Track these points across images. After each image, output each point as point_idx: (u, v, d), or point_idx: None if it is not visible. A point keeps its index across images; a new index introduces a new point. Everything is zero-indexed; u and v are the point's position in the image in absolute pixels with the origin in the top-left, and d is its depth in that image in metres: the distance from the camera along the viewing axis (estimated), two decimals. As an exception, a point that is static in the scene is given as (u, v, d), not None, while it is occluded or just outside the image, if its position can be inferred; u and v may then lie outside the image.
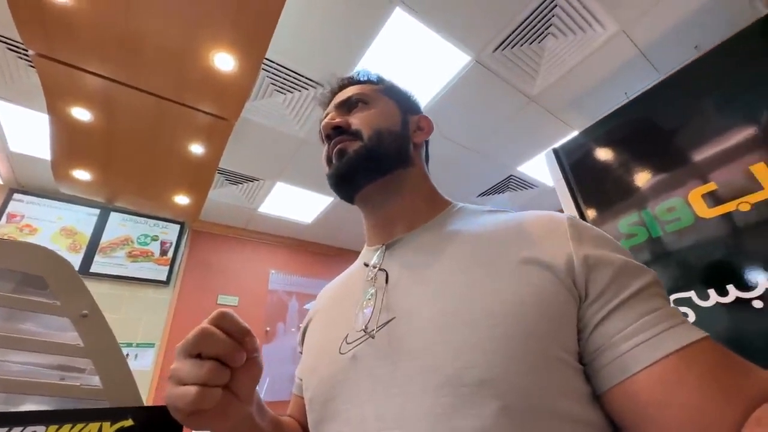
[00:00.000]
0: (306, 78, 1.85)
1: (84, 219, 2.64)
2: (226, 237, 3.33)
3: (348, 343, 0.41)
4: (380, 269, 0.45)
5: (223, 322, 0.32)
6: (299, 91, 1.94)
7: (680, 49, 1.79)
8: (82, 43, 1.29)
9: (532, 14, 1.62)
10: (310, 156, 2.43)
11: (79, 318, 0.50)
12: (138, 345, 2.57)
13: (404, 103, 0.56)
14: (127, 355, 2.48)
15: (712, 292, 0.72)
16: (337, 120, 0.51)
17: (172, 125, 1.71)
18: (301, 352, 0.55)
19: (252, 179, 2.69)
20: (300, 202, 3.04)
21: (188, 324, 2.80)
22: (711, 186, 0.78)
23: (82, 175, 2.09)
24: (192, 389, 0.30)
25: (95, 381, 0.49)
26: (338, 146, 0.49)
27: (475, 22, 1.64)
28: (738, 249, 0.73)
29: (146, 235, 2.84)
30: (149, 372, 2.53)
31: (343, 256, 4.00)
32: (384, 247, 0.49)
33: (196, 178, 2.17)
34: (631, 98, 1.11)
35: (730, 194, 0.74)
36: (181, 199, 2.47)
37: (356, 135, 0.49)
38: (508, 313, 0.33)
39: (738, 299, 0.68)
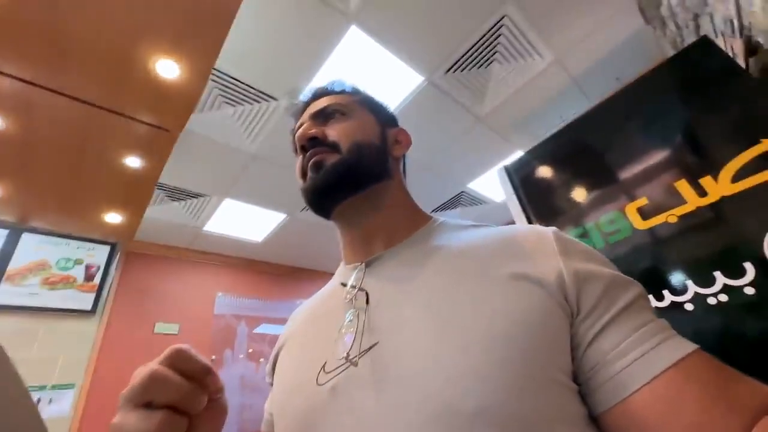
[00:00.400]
0: (258, 91, 1.79)
1: (-13, 242, 2.26)
2: (166, 258, 3.04)
3: (326, 373, 0.37)
4: (360, 289, 0.42)
5: (179, 361, 0.28)
6: (250, 103, 1.86)
7: (605, 79, 2.02)
8: (-8, 39, 1.13)
9: (479, 40, 1.73)
10: (261, 171, 2.34)
11: (-24, 363, 0.41)
12: (54, 387, 2.20)
13: (382, 116, 0.55)
14: (39, 400, 2.12)
15: (650, 297, 0.78)
16: (313, 130, 0.48)
17: (103, 135, 1.55)
18: (271, 383, 0.49)
19: (197, 195, 2.51)
20: (250, 220, 2.88)
21: (117, 358, 2.48)
22: (643, 201, 0.86)
23: (-14, 190, 1.81)
24: None
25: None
26: (315, 158, 0.46)
27: (427, 45, 1.71)
28: (668, 257, 0.81)
29: (68, 259, 2.49)
30: (67, 419, 2.18)
31: (297, 275, 3.85)
32: (363, 264, 0.46)
33: (132, 193, 1.98)
34: (568, 122, 1.21)
35: (660, 208, 0.82)
36: (113, 218, 2.23)
37: (334, 147, 0.47)
38: (503, 334, 0.31)
39: (672, 303, 0.75)
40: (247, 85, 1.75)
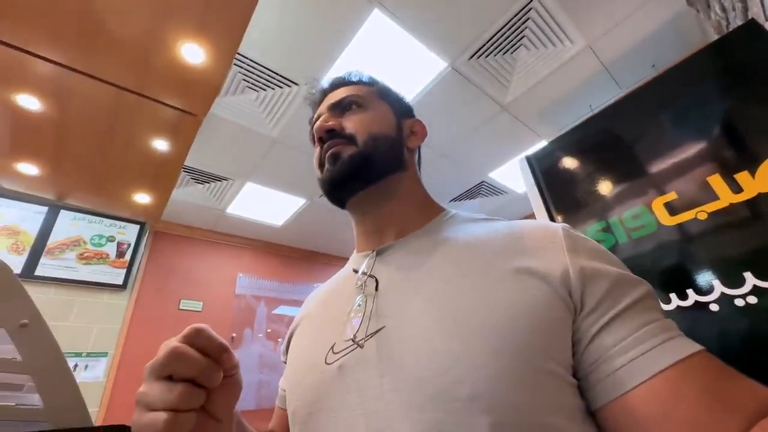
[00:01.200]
0: (280, 76, 1.80)
1: (29, 217, 2.41)
2: (190, 239, 3.16)
3: (335, 353, 0.39)
4: (370, 276, 0.44)
5: (197, 339, 0.29)
6: (273, 88, 1.88)
7: (639, 66, 1.91)
8: (32, 24, 1.18)
9: (506, 25, 1.66)
10: (282, 156, 2.37)
11: (18, 328, 0.45)
12: (89, 354, 2.37)
13: (398, 107, 0.55)
14: (76, 366, 2.28)
15: (673, 296, 0.75)
16: (331, 123, 0.49)
17: (133, 118, 1.61)
18: (285, 362, 0.52)
19: (220, 178, 2.58)
20: (271, 204, 2.95)
21: (146, 331, 2.63)
22: (672, 195, 0.82)
23: (27, 169, 1.92)
24: (161, 416, 0.26)
25: (35, 399, 0.43)
26: (332, 150, 0.48)
27: (452, 29, 1.67)
28: (695, 255, 0.77)
29: (101, 236, 2.64)
30: (101, 383, 2.35)
31: (315, 259, 3.93)
32: (374, 253, 0.47)
33: (159, 175, 2.05)
34: (597, 111, 1.16)
35: (689, 203, 0.78)
36: (142, 198, 2.32)
37: (351, 139, 0.48)
38: (500, 326, 0.32)
39: (696, 303, 0.72)
40: (269, 70, 1.76)
